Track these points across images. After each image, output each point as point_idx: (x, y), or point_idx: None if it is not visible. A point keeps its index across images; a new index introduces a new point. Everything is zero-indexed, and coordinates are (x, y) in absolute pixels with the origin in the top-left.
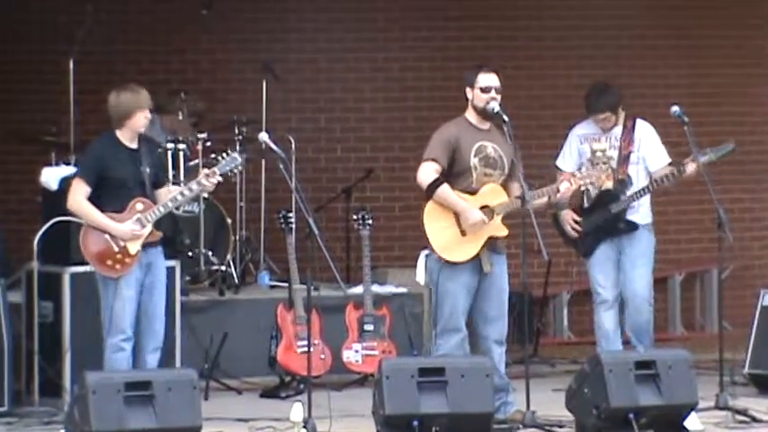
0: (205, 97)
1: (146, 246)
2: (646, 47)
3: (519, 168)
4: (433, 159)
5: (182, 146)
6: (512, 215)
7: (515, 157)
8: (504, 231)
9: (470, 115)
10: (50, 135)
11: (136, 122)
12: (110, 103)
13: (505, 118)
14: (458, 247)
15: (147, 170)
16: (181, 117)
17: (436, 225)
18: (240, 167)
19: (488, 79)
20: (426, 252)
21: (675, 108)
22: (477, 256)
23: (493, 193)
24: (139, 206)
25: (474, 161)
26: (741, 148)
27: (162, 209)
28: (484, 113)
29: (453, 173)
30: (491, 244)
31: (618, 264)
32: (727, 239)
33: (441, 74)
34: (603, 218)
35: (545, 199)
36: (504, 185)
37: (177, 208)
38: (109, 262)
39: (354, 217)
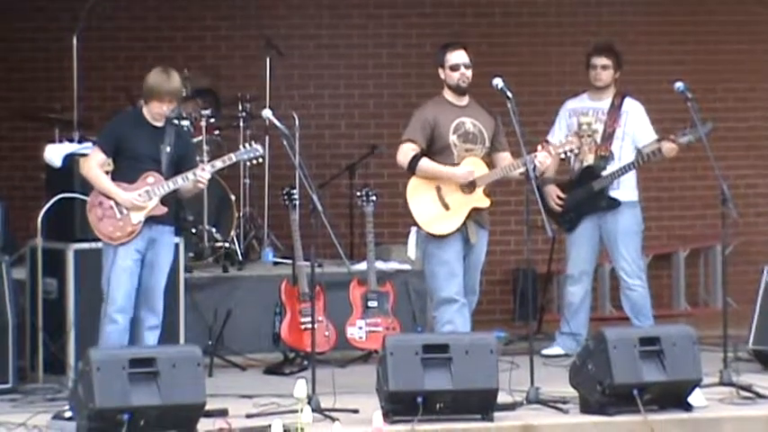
0: (209, 73)
1: (151, 221)
2: (651, 23)
3: (503, 139)
4: (411, 140)
5: (185, 122)
6: (515, 192)
7: (497, 128)
8: (486, 202)
9: (447, 93)
10: (54, 112)
11: (151, 108)
12: (147, 76)
13: (509, 94)
14: (442, 220)
15: (168, 149)
16: (184, 93)
17: (419, 201)
18: (260, 159)
19: (456, 57)
20: (416, 228)
21: (679, 84)
22: (464, 227)
23: (473, 166)
24: (150, 179)
25: (453, 138)
26: (746, 124)
27: (171, 184)
28: (458, 90)
29: (434, 151)
30: (475, 216)
31: (596, 241)
32: (731, 215)
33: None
34: (586, 194)
35: (521, 170)
36: (489, 157)
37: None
38: (110, 228)
39: (358, 193)
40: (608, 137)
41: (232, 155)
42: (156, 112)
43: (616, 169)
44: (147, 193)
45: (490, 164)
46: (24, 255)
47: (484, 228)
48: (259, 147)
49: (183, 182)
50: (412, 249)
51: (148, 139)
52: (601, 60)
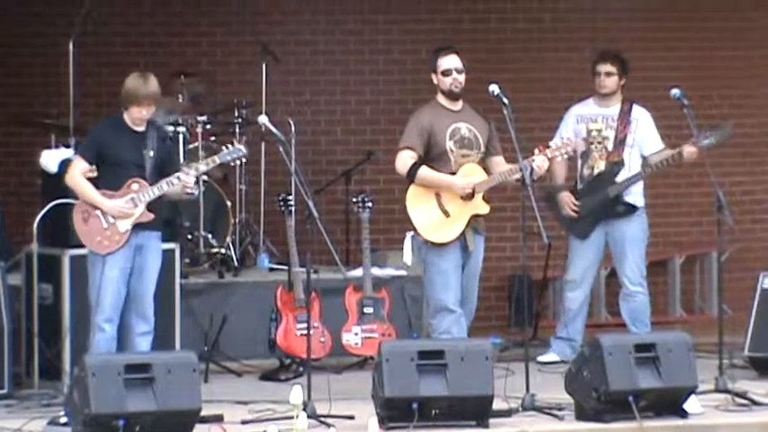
0: (205, 80)
1: (138, 227)
2: (646, 29)
3: (496, 143)
4: (409, 147)
5: (181, 128)
6: (511, 198)
7: (491, 132)
8: (485, 209)
9: (440, 98)
10: (50, 117)
11: (131, 113)
12: (124, 81)
13: (505, 101)
14: (442, 228)
15: (151, 154)
16: (180, 100)
17: (419, 209)
18: (244, 159)
19: (448, 62)
20: (411, 234)
21: (676, 90)
22: (463, 235)
23: (471, 173)
24: (135, 186)
25: (450, 144)
26: (742, 130)
27: (156, 190)
28: (450, 95)
29: (431, 158)
30: (473, 223)
31: (602, 247)
32: (726, 222)
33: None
34: (600, 201)
35: (518, 175)
36: (483, 161)
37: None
38: (98, 238)
39: (354, 200)
40: (620, 143)
41: (215, 157)
42: (136, 117)
43: (632, 175)
44: (133, 200)
45: (485, 168)
46: (20, 260)
47: (480, 233)
48: (242, 146)
49: (168, 187)
50: (408, 255)
51: (131, 145)
52: (605, 67)
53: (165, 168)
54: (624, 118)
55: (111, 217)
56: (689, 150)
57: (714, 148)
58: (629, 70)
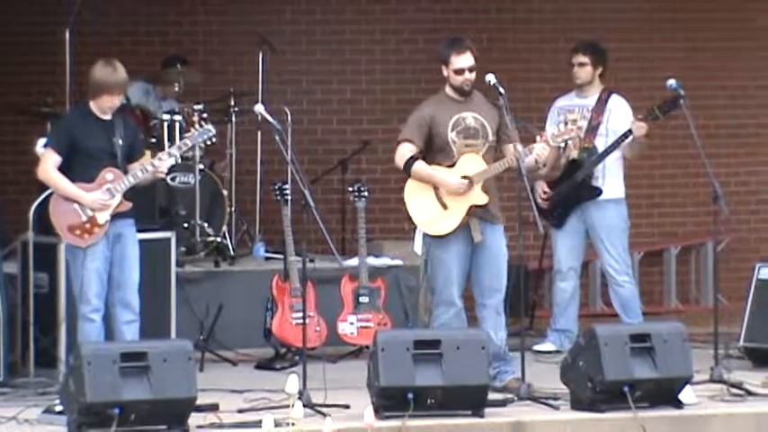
0: (201, 69)
1: (115, 217)
2: (641, 20)
3: (510, 129)
4: (408, 140)
5: (177, 117)
6: (507, 188)
7: (503, 118)
8: (484, 199)
9: (449, 89)
10: (46, 106)
11: (102, 103)
12: (91, 71)
13: (501, 90)
14: (440, 221)
15: (120, 142)
16: (177, 88)
17: (417, 202)
18: (214, 139)
19: (462, 61)
20: None
21: (672, 81)
22: (466, 226)
23: (471, 163)
24: (109, 176)
25: (452, 136)
26: (736, 121)
27: (132, 179)
28: (461, 92)
29: (433, 149)
30: (480, 213)
31: (582, 236)
32: (722, 213)
33: (438, 46)
34: (570, 187)
35: (515, 164)
36: (496, 149)
37: (173, 179)
38: (77, 231)
39: (350, 189)
40: (592, 130)
41: (186, 140)
42: (107, 106)
43: (595, 157)
44: (109, 191)
45: (499, 157)
46: (16, 249)
47: (492, 222)
48: (211, 127)
49: (143, 174)
50: (418, 245)
51: (101, 134)
52: (577, 58)
53: (132, 155)
54: (600, 106)
55: (90, 209)
56: (636, 125)
57: (710, 138)
58: (606, 60)
